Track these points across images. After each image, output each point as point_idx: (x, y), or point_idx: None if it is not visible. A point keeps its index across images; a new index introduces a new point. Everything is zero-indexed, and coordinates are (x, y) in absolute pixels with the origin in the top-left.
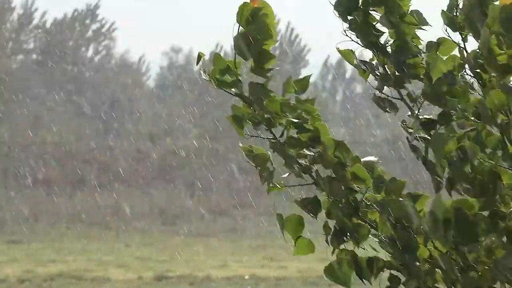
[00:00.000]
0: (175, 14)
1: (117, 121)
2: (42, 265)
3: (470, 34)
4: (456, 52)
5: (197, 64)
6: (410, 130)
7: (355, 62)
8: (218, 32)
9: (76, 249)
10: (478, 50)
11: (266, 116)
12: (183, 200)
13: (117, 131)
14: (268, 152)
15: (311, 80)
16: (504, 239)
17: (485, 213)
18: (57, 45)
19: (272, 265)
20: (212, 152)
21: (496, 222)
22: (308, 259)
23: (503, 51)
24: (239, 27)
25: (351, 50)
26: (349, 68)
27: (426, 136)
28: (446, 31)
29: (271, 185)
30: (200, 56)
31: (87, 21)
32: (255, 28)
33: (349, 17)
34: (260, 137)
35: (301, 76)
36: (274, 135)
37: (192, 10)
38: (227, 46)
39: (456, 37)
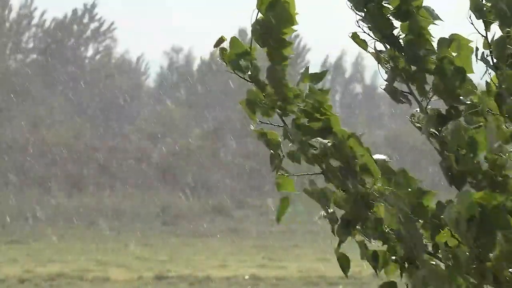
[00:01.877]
0: (176, 14)
1: (117, 121)
2: (42, 265)
3: (496, 22)
4: (470, 46)
5: (215, 47)
6: (418, 125)
7: (368, 49)
8: (218, 32)
9: (76, 249)
10: (505, 37)
11: (279, 103)
12: (183, 200)
13: (117, 131)
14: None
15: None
16: None
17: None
18: (56, 44)
19: (272, 265)
20: (212, 152)
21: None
22: (308, 259)
23: None
24: (257, 14)
25: (364, 40)
26: (348, 69)
27: (434, 131)
28: (470, 17)
29: (279, 172)
30: (222, 40)
31: (85, 21)
32: (275, 15)
33: (363, 9)
34: (272, 124)
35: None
36: (285, 122)
37: (193, 10)
38: (226, 46)
39: (476, 26)
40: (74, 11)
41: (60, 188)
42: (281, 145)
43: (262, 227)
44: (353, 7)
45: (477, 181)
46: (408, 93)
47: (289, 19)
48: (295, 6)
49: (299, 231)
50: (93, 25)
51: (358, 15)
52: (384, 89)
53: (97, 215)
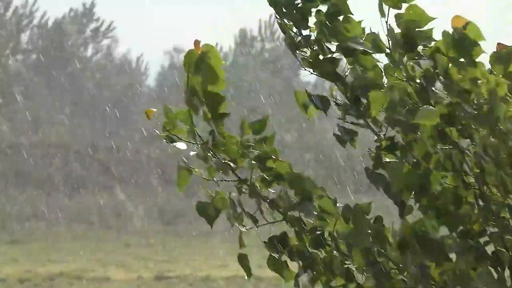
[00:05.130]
0: (176, 13)
1: (117, 121)
2: (42, 265)
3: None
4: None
5: (149, 119)
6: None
7: (307, 101)
8: (218, 32)
9: (76, 249)
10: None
11: (228, 159)
12: (183, 200)
13: (117, 131)
14: (233, 194)
15: (312, 80)
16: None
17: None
18: (56, 45)
19: None
20: None
21: (465, 241)
22: None
23: (462, 76)
24: (188, 75)
25: (305, 90)
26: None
27: (391, 160)
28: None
29: (242, 228)
30: (149, 113)
31: (85, 21)
32: (202, 74)
33: (300, 53)
34: (225, 180)
35: (301, 76)
36: (238, 177)
37: (193, 10)
38: (226, 46)
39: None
40: (74, 11)
41: (60, 188)
42: (238, 200)
43: (262, 226)
44: (291, 52)
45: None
46: (363, 126)
47: (214, 75)
48: (219, 59)
49: None
50: (92, 25)
51: (298, 59)
52: (334, 135)
53: (97, 215)
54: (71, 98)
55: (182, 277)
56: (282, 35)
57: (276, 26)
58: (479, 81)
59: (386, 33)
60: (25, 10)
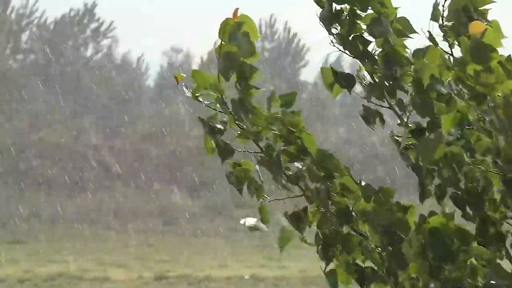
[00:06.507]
0: (176, 13)
1: (117, 121)
2: (42, 265)
3: (456, 42)
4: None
5: (177, 84)
6: (398, 138)
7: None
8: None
9: (76, 249)
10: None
11: (252, 130)
12: (183, 200)
13: (117, 131)
14: (256, 165)
15: (311, 80)
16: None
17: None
18: (56, 44)
19: (272, 265)
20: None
21: (485, 228)
22: (308, 259)
23: (475, 84)
24: (221, 42)
25: (331, 68)
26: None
27: (416, 143)
28: (432, 38)
29: (260, 200)
30: (178, 78)
31: (85, 21)
32: (237, 44)
33: (333, 29)
34: (247, 151)
35: (301, 76)
36: (261, 148)
37: (193, 10)
38: None
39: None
40: (75, 11)
41: (60, 188)
42: (258, 171)
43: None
44: (325, 28)
45: (457, 195)
46: (387, 107)
47: (250, 47)
48: (256, 31)
49: None
50: (93, 25)
51: (331, 35)
52: (360, 114)
53: (97, 215)
54: (71, 98)
55: (182, 277)
56: (282, 35)
57: (276, 26)
58: (495, 85)
59: (444, 4)
60: (25, 10)
